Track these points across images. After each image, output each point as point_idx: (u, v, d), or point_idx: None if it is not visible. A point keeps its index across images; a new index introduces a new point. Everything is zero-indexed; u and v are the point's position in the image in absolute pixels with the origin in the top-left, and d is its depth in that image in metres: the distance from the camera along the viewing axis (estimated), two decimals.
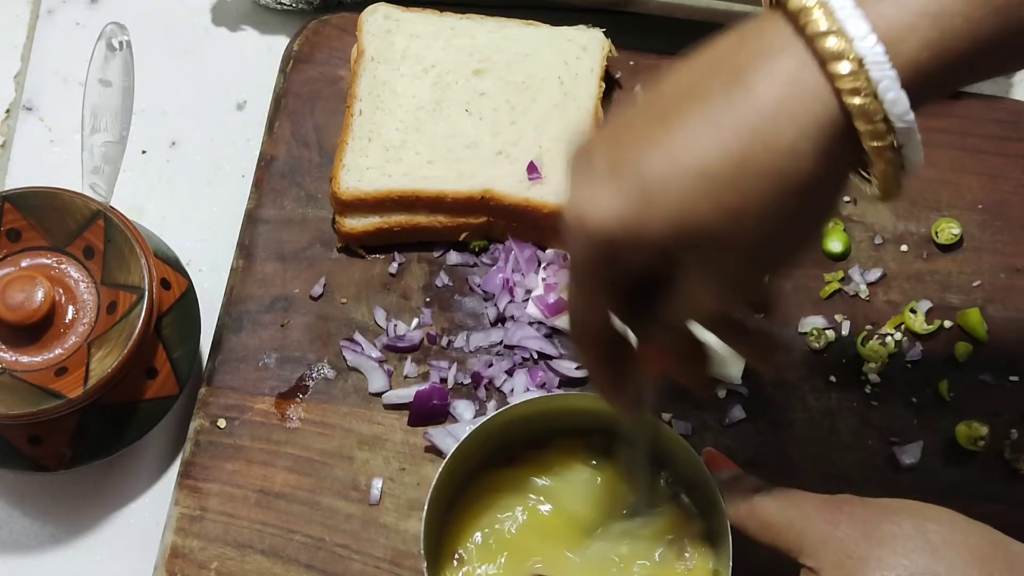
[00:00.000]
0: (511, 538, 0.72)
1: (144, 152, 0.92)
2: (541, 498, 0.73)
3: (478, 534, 0.72)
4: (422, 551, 0.69)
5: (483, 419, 0.72)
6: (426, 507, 0.69)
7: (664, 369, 0.64)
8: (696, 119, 0.54)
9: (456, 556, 0.72)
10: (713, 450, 0.70)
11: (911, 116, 0.52)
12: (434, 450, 0.80)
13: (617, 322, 0.62)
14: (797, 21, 0.53)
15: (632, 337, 0.64)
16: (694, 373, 0.65)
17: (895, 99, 0.52)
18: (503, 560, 0.72)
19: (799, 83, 0.53)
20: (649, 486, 0.71)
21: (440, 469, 0.70)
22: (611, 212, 0.55)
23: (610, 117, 0.57)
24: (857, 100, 0.52)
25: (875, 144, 0.53)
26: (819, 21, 0.52)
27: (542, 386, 0.81)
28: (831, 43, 0.52)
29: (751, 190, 0.54)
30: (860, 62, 0.52)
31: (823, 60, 0.52)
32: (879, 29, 0.52)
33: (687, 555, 0.71)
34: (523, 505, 0.73)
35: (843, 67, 0.52)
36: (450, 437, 0.80)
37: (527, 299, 0.83)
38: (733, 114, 0.53)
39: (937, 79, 0.53)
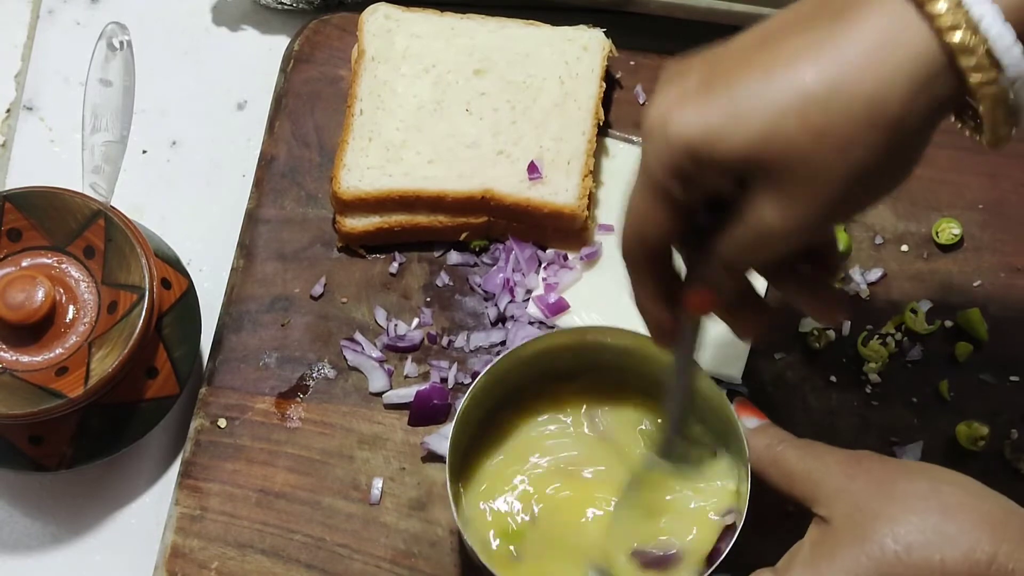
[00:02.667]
0: (536, 475, 0.74)
1: (144, 152, 0.92)
2: (567, 434, 0.75)
3: (501, 460, 0.74)
4: (447, 481, 0.70)
5: (508, 351, 0.73)
6: (450, 437, 0.71)
7: (710, 309, 0.64)
8: (796, 44, 0.55)
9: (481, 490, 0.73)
10: (744, 399, 0.71)
11: (1019, 51, 0.53)
12: (432, 457, 0.80)
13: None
14: None
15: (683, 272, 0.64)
16: (741, 318, 0.66)
17: (999, 33, 0.53)
18: (528, 494, 0.73)
19: (901, 21, 0.54)
20: (679, 427, 0.71)
21: (464, 399, 0.71)
22: (696, 119, 0.56)
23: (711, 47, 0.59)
24: (957, 36, 0.53)
25: (979, 79, 0.53)
26: None
27: None
28: None
29: (840, 114, 0.54)
30: (958, 1, 0.53)
31: (920, 2, 0.53)
32: None
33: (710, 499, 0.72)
34: (547, 441, 0.74)
35: (940, 6, 0.53)
36: (449, 441, 0.80)
37: (527, 299, 0.83)
38: (833, 43, 0.54)
39: None
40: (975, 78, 0.53)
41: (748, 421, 0.70)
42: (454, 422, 0.72)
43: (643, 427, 0.75)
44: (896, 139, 0.55)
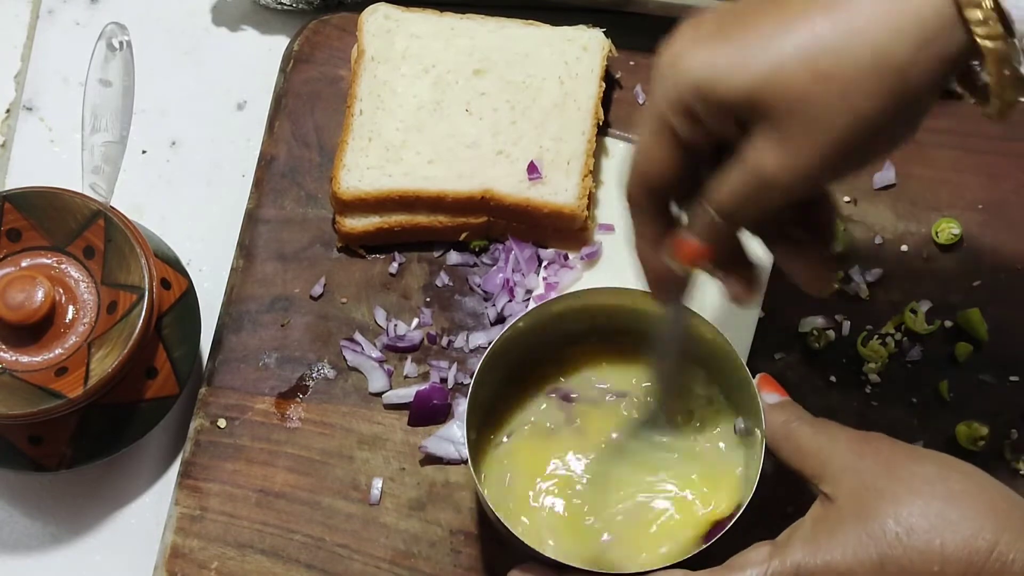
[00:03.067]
0: (544, 433, 0.74)
1: (144, 152, 0.92)
2: (574, 397, 0.75)
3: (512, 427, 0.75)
4: (465, 429, 0.71)
5: (528, 310, 0.74)
6: (471, 389, 0.71)
7: (699, 259, 0.64)
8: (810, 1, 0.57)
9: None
10: (767, 375, 0.72)
11: None
12: (432, 459, 0.80)
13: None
14: None
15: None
16: (731, 276, 0.66)
17: None
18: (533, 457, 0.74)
19: None
20: (674, 391, 0.72)
21: (486, 354, 0.72)
22: (705, 60, 0.58)
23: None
24: None
25: (985, 33, 0.54)
26: None
27: None
28: None
29: (846, 60, 0.55)
30: None
31: None
32: None
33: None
34: (553, 403, 0.75)
35: None
36: (448, 443, 0.80)
37: (527, 299, 0.83)
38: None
39: None
40: (981, 32, 0.54)
41: (769, 397, 0.70)
42: (478, 367, 0.72)
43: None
44: (899, 91, 0.56)
